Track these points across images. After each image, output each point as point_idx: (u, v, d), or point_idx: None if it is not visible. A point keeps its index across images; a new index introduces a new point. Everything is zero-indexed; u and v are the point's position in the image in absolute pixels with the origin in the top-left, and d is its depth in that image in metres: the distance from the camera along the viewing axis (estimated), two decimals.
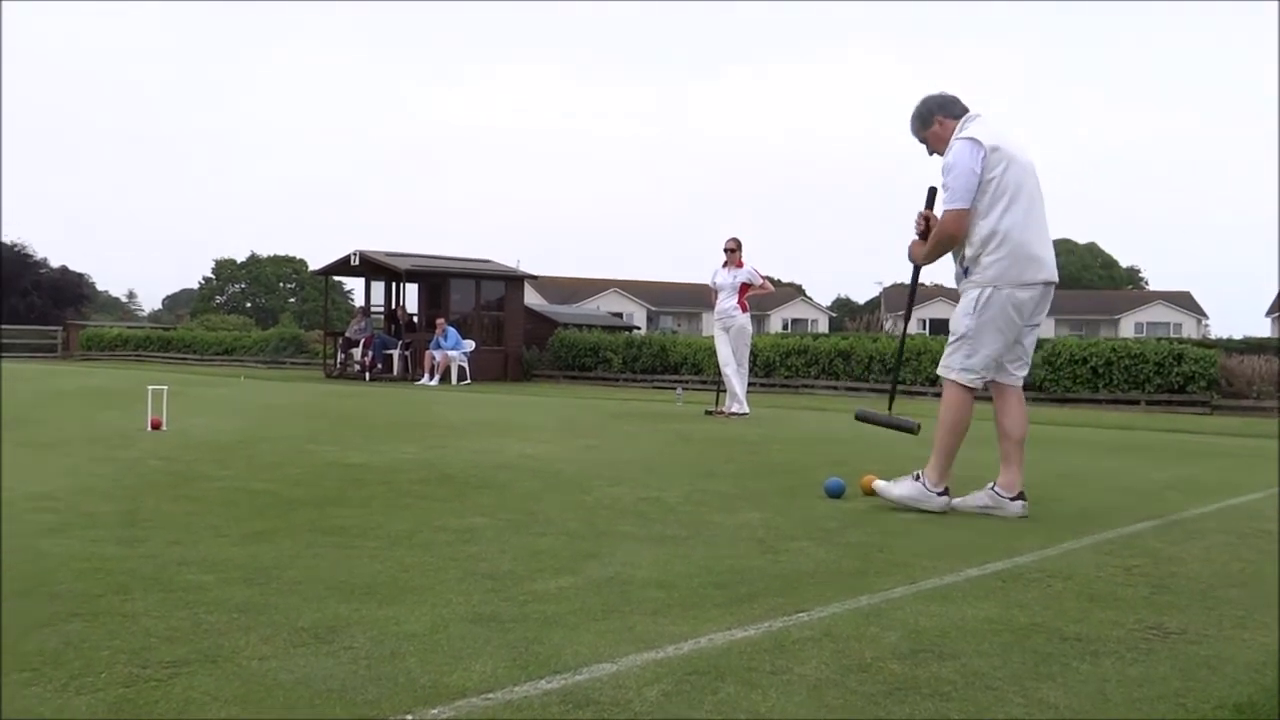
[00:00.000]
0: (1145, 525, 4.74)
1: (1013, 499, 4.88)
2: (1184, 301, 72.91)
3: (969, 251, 4.91)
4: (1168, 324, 66.62)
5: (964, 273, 4.97)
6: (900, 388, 12.23)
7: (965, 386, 4.93)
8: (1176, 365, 16.02)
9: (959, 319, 4.96)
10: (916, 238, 5.14)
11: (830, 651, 2.67)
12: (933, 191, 5.11)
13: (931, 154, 5.12)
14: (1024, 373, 5.08)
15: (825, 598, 3.22)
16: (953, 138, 4.97)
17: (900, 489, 5.00)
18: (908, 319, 5.68)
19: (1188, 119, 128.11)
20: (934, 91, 5.17)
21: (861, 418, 5.74)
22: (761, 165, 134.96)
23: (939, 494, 4.93)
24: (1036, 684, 2.46)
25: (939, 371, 5.09)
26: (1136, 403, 16.03)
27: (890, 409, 5.67)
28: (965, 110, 5.07)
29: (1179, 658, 2.69)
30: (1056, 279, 5.00)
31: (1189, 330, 64.32)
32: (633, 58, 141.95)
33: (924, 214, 5.12)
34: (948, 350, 5.01)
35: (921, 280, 5.45)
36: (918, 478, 4.98)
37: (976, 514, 4.89)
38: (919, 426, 5.47)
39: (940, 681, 2.46)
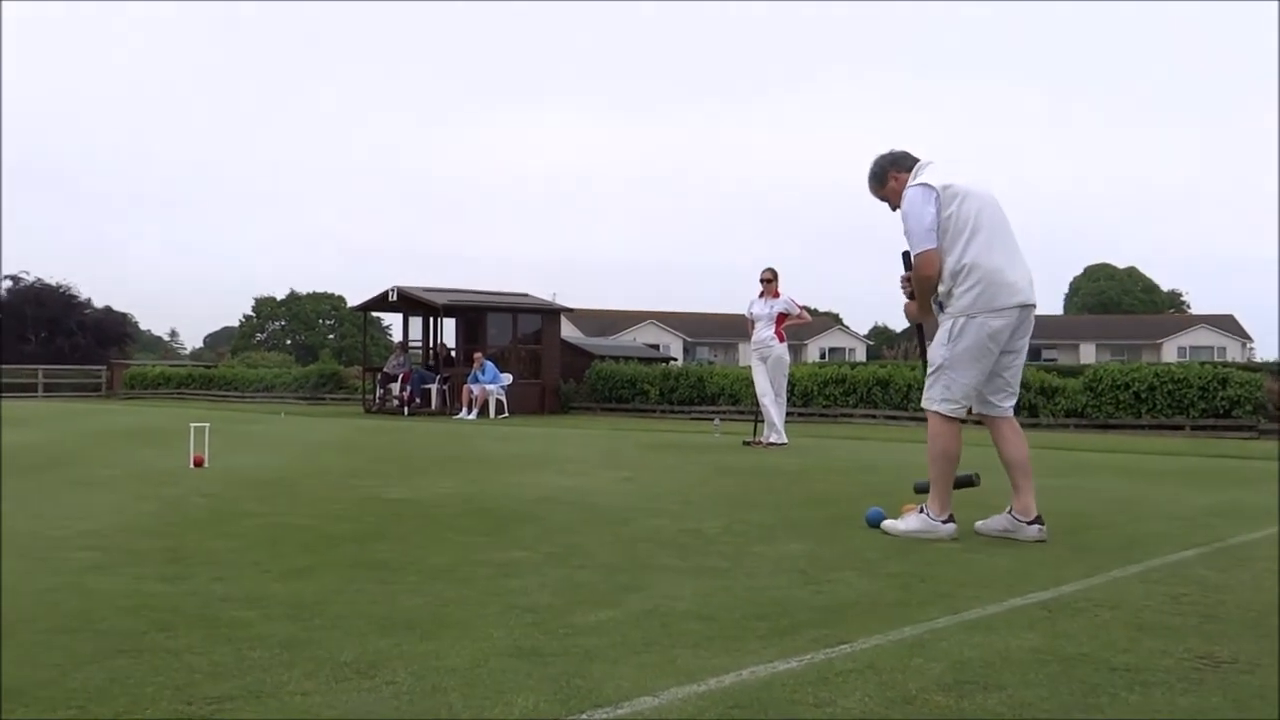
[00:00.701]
0: (1192, 553, 4.67)
1: (1029, 523, 4.93)
2: (1228, 325, 71.92)
3: (942, 288, 5.02)
4: (1211, 348, 65.72)
5: (939, 308, 5.08)
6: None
7: (948, 417, 4.99)
8: (1221, 389, 15.80)
9: (935, 350, 5.07)
10: (907, 300, 5.25)
11: (874, 684, 2.64)
12: (906, 255, 5.19)
13: (895, 210, 5.22)
14: (1010, 403, 5.12)
15: (868, 629, 3.20)
16: (905, 188, 5.08)
17: (907, 524, 5.05)
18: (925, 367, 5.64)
19: (1229, 140, 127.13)
20: (884, 150, 5.30)
21: (922, 489, 5.49)
22: (797, 194, 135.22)
23: (944, 522, 4.98)
24: (1085, 715, 2.43)
25: (922, 404, 5.17)
26: (1180, 428, 15.81)
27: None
28: (916, 161, 5.21)
29: (1231, 688, 2.64)
30: (1033, 301, 5.05)
31: (1233, 354, 63.46)
32: (667, 89, 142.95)
33: (905, 276, 5.22)
34: (928, 383, 5.11)
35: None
36: (922, 510, 5.03)
37: (1015, 543, 4.85)
38: (978, 476, 5.43)
39: (986, 713, 2.43)
